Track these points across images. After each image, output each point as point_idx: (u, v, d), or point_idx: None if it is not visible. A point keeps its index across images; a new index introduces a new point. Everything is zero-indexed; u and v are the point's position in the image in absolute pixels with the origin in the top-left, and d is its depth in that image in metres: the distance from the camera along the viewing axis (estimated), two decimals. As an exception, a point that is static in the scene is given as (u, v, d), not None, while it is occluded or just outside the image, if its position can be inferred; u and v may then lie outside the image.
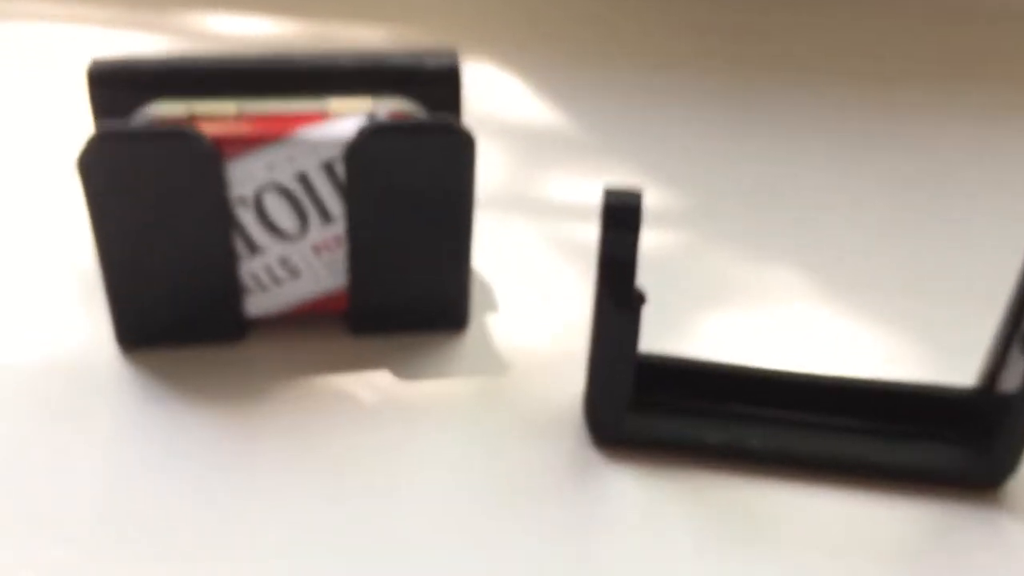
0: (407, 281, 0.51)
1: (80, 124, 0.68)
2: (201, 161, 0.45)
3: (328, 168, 0.47)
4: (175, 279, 0.49)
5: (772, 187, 0.66)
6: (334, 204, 0.48)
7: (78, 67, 0.73)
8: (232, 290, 0.50)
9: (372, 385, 0.50)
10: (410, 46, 0.52)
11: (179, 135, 0.45)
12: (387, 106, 0.48)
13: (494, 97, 0.74)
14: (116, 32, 0.79)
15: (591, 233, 0.61)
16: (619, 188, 0.42)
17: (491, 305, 0.55)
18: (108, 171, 0.45)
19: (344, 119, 0.47)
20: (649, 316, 0.51)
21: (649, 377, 0.46)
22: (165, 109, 0.46)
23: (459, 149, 0.47)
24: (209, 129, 0.45)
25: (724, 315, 0.55)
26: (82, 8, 0.82)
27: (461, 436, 0.48)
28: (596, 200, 0.64)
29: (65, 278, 0.55)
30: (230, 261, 0.48)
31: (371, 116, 0.47)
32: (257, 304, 0.51)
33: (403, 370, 0.51)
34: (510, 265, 0.58)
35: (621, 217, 0.41)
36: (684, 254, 0.59)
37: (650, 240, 0.60)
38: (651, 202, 0.64)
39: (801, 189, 0.65)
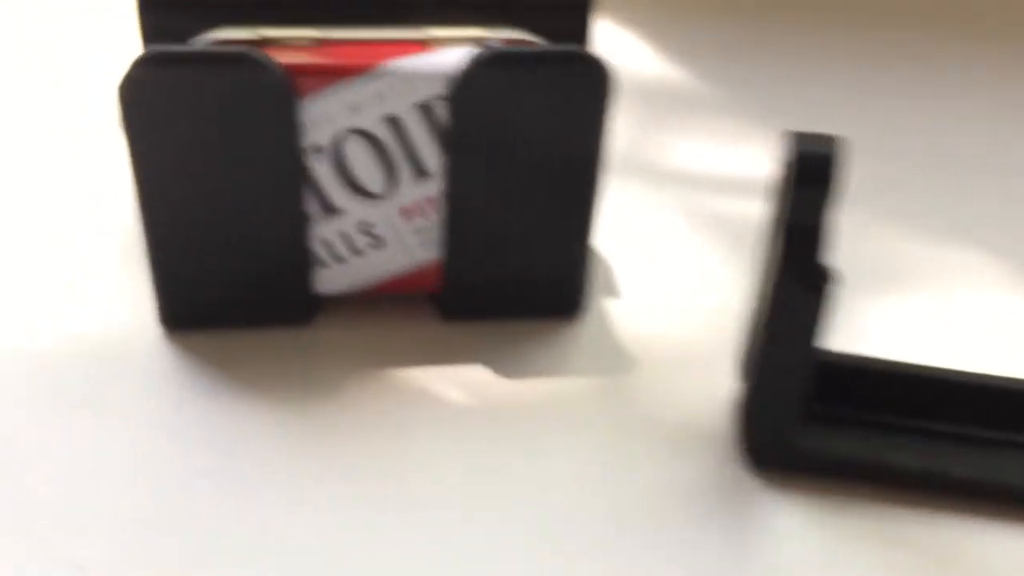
0: (514, 256, 0.41)
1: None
2: (269, 96, 0.36)
3: (425, 110, 0.38)
4: (231, 246, 0.40)
5: (948, 152, 0.55)
6: (430, 156, 0.39)
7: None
8: (300, 261, 0.41)
9: (464, 382, 0.41)
10: None
11: (243, 61, 0.35)
12: (498, 35, 0.39)
13: (608, 53, 0.64)
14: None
15: (727, 205, 0.51)
16: (807, 134, 0.33)
17: (610, 288, 0.46)
18: (155, 104, 0.36)
19: (447, 49, 0.38)
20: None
21: (824, 382, 0.36)
22: (229, 34, 0.38)
23: (592, 86, 0.37)
24: (281, 57, 0.36)
25: (898, 304, 0.45)
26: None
27: (573, 449, 0.38)
28: (731, 166, 0.55)
29: (101, 243, 0.46)
30: (299, 225, 0.39)
31: (482, 45, 0.38)
32: (330, 279, 0.42)
33: (503, 365, 0.41)
34: (632, 241, 0.48)
35: (810, 171, 0.32)
36: (848, 234, 0.50)
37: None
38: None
39: (985, 155, 0.55)
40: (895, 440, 0.36)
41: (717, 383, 0.40)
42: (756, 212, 0.50)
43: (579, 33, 0.40)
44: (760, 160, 0.55)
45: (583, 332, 0.43)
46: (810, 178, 0.32)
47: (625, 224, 0.47)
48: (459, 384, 0.41)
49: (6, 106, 0.56)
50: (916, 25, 0.68)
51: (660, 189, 0.52)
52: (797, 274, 0.32)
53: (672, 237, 0.49)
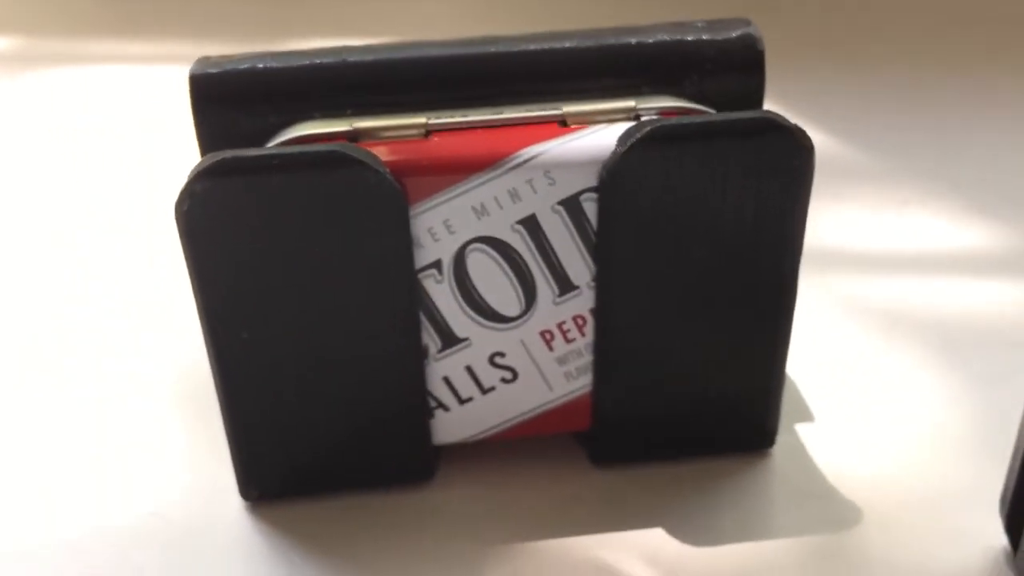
0: (685, 382, 0.32)
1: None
2: (376, 205, 0.27)
3: (571, 207, 0.29)
4: (326, 395, 0.31)
5: None
6: (578, 265, 0.30)
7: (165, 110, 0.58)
8: (414, 408, 0.31)
9: (638, 548, 0.31)
10: (667, 18, 0.34)
11: (341, 162, 0.27)
12: (654, 104, 0.30)
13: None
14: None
15: (925, 293, 0.42)
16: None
17: (799, 412, 0.36)
18: (222, 225, 0.27)
19: (593, 129, 0.29)
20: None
21: None
22: (317, 128, 0.30)
23: (790, 163, 0.28)
24: (386, 154, 0.28)
25: None
26: (137, 46, 0.68)
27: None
28: (914, 244, 0.45)
29: (165, 396, 0.38)
30: (413, 363, 0.31)
31: (638, 120, 0.30)
32: (451, 426, 0.33)
33: (683, 522, 0.32)
34: (813, 350, 0.39)
35: None
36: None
37: (1007, 301, 0.41)
38: (988, 240, 0.45)
39: None
40: None
41: (971, 535, 0.31)
42: (965, 302, 0.41)
43: (750, 96, 0.32)
44: (951, 232, 0.45)
45: (777, 471, 0.34)
46: None
47: (801, 329, 0.38)
48: (632, 552, 0.31)
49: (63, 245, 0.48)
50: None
51: (839, 283, 0.42)
52: None
53: (860, 341, 0.39)
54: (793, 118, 0.29)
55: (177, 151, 0.52)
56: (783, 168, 0.29)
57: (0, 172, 0.53)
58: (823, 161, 0.52)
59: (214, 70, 0.30)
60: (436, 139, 0.29)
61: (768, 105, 0.32)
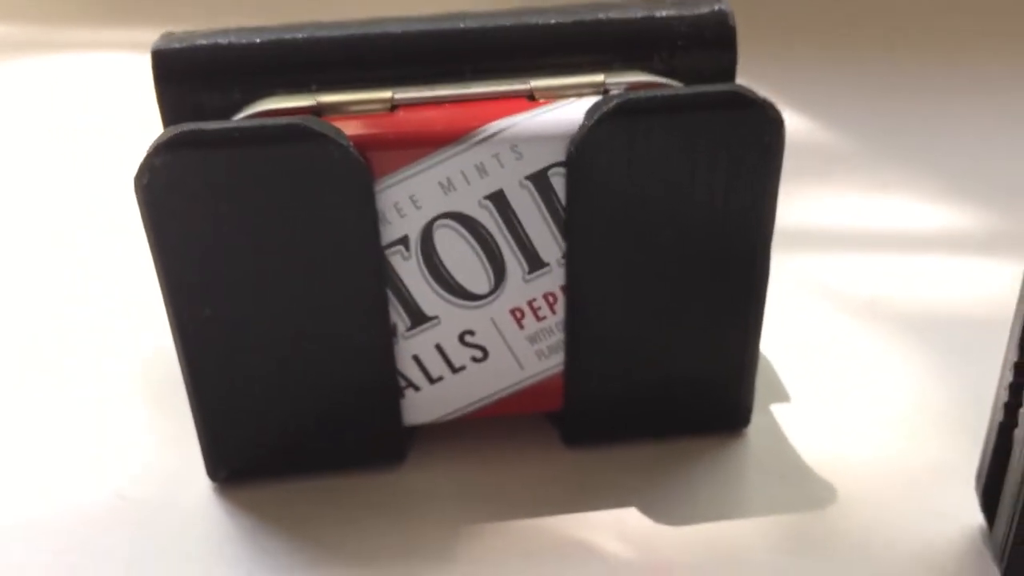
0: (657, 360, 0.32)
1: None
2: (337, 180, 0.27)
3: (539, 182, 0.29)
4: (293, 376, 0.30)
5: None
6: (547, 241, 0.30)
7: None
8: (383, 387, 0.31)
9: (611, 527, 0.31)
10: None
11: (304, 135, 0.27)
12: (623, 79, 0.30)
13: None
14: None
15: (902, 274, 0.42)
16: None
17: (774, 392, 0.36)
18: (185, 200, 0.27)
19: (561, 103, 0.29)
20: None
21: None
22: (279, 103, 0.29)
23: (758, 136, 0.28)
24: (351, 128, 0.28)
25: None
26: (128, 33, 0.67)
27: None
28: (894, 226, 0.45)
29: (133, 378, 0.38)
30: (381, 342, 0.30)
31: (606, 94, 0.29)
32: (422, 406, 0.32)
33: (657, 501, 0.31)
34: (790, 330, 0.39)
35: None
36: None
37: (983, 283, 0.41)
38: (967, 222, 0.45)
39: None
40: None
41: (947, 513, 0.30)
42: (943, 282, 0.41)
43: (722, 73, 0.31)
44: (931, 213, 0.45)
45: (751, 451, 0.33)
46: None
47: (778, 310, 0.38)
48: (605, 530, 0.31)
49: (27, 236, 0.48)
50: None
51: (817, 264, 0.42)
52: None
53: (838, 322, 0.39)
54: (777, 101, 0.28)
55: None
56: (752, 142, 0.28)
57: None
58: (806, 144, 0.52)
59: (177, 45, 0.30)
60: (402, 113, 0.29)
61: (751, 87, 0.32)
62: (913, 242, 0.44)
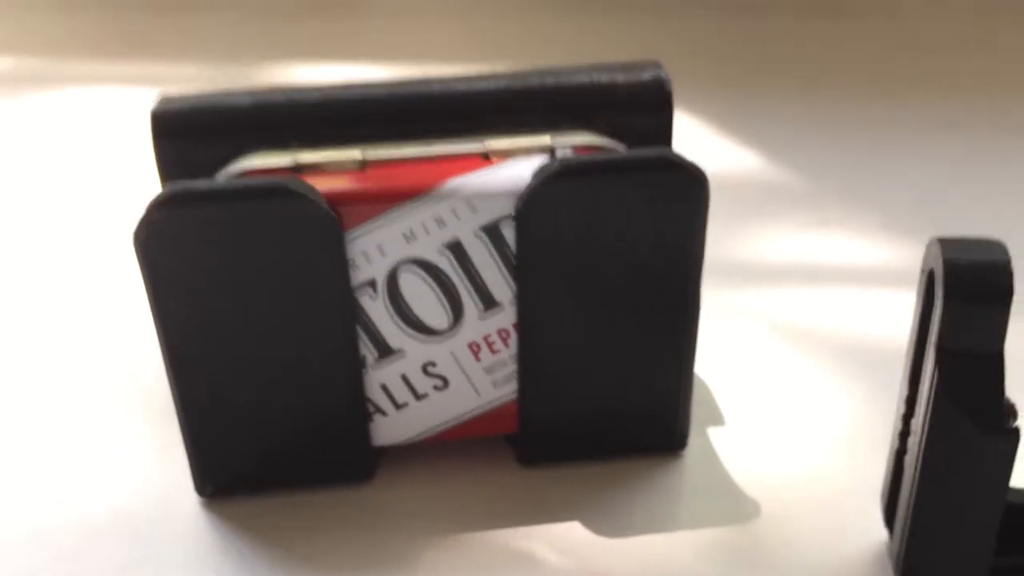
0: (602, 388, 0.35)
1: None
2: (314, 231, 0.31)
3: (492, 232, 0.32)
4: (274, 401, 0.34)
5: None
6: (500, 284, 0.33)
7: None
8: (354, 412, 0.35)
9: (557, 541, 0.34)
10: (587, 60, 0.37)
11: (282, 193, 0.30)
12: (569, 141, 0.34)
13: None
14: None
15: (834, 307, 0.45)
16: (960, 240, 0.27)
17: (711, 416, 0.40)
18: (178, 250, 0.31)
19: (512, 162, 0.33)
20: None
21: (1015, 528, 0.30)
22: (262, 162, 0.33)
23: (685, 194, 0.32)
24: (321, 185, 0.31)
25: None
26: (139, 67, 0.71)
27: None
28: (829, 261, 0.49)
29: (127, 401, 0.41)
30: (353, 372, 0.34)
31: (552, 155, 0.33)
32: (389, 429, 0.36)
33: (599, 517, 0.35)
34: (729, 358, 0.42)
35: (977, 285, 0.26)
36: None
37: (903, 305, 0.44)
38: (900, 257, 0.48)
39: None
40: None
41: (858, 530, 0.34)
42: (871, 315, 0.44)
43: (659, 133, 0.35)
44: (865, 249, 0.49)
45: (686, 471, 0.37)
46: (976, 295, 0.26)
47: (718, 338, 0.41)
48: (551, 544, 0.34)
49: (22, 252, 0.51)
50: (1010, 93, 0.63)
51: (756, 297, 0.46)
52: (969, 413, 0.26)
53: (774, 351, 0.43)
54: (727, 137, 0.32)
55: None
56: (680, 199, 0.32)
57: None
58: (754, 179, 0.55)
59: (172, 107, 0.34)
60: (371, 171, 0.32)
61: (706, 128, 0.35)
62: (848, 275, 0.47)
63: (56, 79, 0.68)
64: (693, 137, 0.57)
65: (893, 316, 0.44)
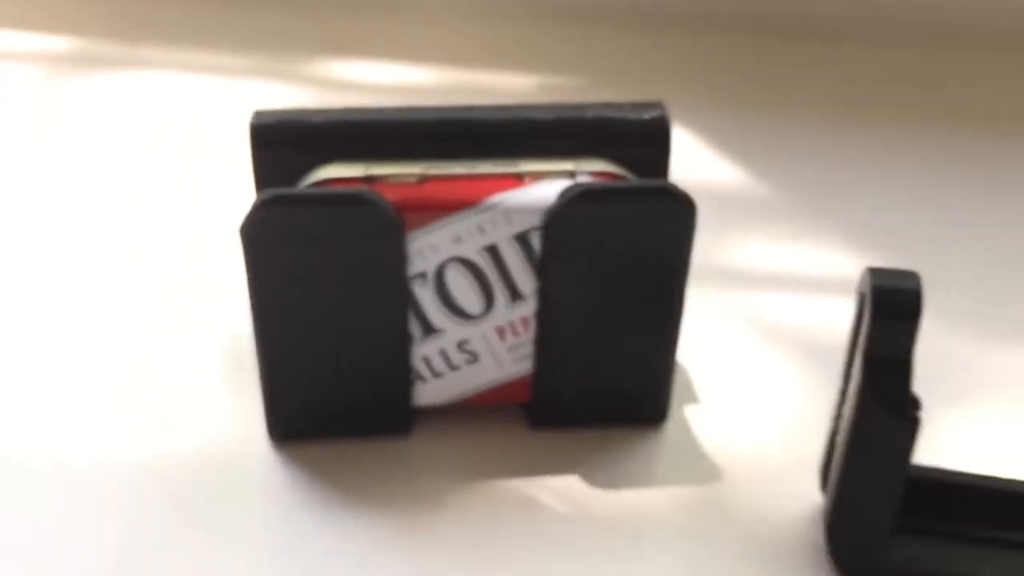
0: (601, 368, 0.44)
1: (233, 183, 0.62)
2: (381, 231, 0.39)
3: (522, 240, 0.40)
4: (338, 365, 0.42)
5: (1015, 256, 0.57)
6: (525, 281, 0.41)
7: (207, 119, 0.69)
8: (402, 377, 0.43)
9: (558, 490, 0.43)
10: (603, 98, 0.45)
11: (358, 200, 0.38)
12: (588, 168, 0.42)
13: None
14: (236, 81, 0.74)
15: (799, 310, 0.53)
16: (886, 270, 0.35)
17: (690, 396, 0.48)
18: (275, 240, 0.39)
19: (542, 183, 0.40)
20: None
21: (919, 495, 0.38)
22: (338, 171, 0.41)
23: (677, 217, 0.40)
24: (391, 195, 0.39)
25: (966, 416, 0.47)
26: (188, 55, 0.78)
27: (668, 556, 0.40)
28: (798, 269, 0.57)
29: (212, 357, 0.49)
30: (402, 345, 0.42)
31: (573, 179, 0.41)
32: (427, 393, 0.44)
33: (593, 472, 0.43)
34: (708, 350, 0.50)
35: (895, 306, 0.34)
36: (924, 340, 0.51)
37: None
38: (857, 271, 0.56)
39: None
40: (982, 552, 0.38)
41: (800, 494, 0.42)
42: (829, 319, 0.52)
43: (659, 162, 0.43)
44: (830, 261, 0.57)
45: (666, 439, 0.45)
46: (894, 314, 0.34)
47: (701, 333, 0.49)
48: (552, 492, 0.43)
49: (127, 224, 0.59)
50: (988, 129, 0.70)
51: (733, 297, 0.54)
52: (885, 405, 0.34)
53: (744, 344, 0.51)
54: (719, 154, 0.39)
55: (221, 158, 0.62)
56: (674, 220, 0.40)
57: (61, 170, 0.63)
58: (739, 194, 0.63)
59: (266, 121, 0.41)
60: (428, 185, 0.40)
61: (700, 142, 0.42)
62: (812, 284, 0.55)
63: (106, 63, 0.75)
64: (686, 149, 0.65)
65: (845, 321, 0.52)
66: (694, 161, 0.65)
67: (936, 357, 0.44)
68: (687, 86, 0.73)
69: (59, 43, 0.77)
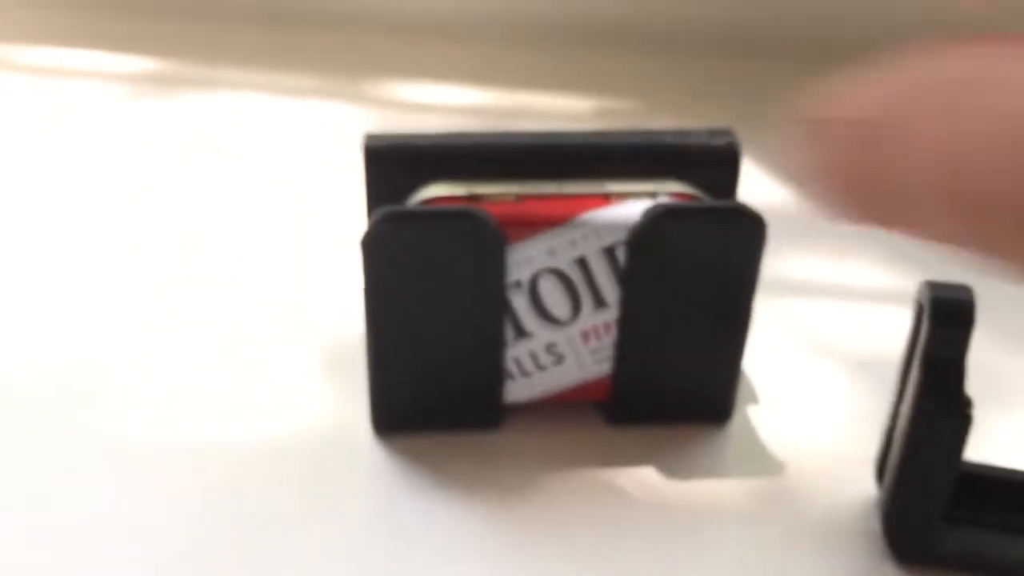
0: (674, 371, 0.48)
1: (346, 198, 0.67)
2: (486, 245, 0.43)
3: (609, 253, 0.45)
4: (438, 364, 0.47)
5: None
6: (610, 290, 0.46)
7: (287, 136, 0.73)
8: (495, 376, 0.47)
9: (635, 480, 0.47)
10: (659, 121, 0.50)
11: (467, 217, 0.43)
12: (667, 189, 0.46)
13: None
14: (299, 102, 0.79)
15: (850, 320, 0.57)
16: (943, 283, 0.39)
17: (751, 397, 0.52)
18: (391, 252, 0.43)
19: (627, 202, 0.45)
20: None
21: (968, 489, 0.42)
22: (443, 190, 0.45)
23: (749, 235, 0.44)
24: (493, 212, 0.44)
25: (1014, 419, 0.51)
26: (254, 75, 0.83)
27: (738, 541, 0.45)
28: (846, 281, 0.61)
29: (320, 356, 0.54)
30: (497, 347, 0.46)
31: (655, 199, 0.45)
32: (516, 390, 0.48)
33: (666, 465, 0.48)
34: (765, 353, 0.54)
35: (951, 315, 0.38)
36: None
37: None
38: (902, 284, 0.60)
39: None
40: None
41: (857, 486, 0.46)
42: (879, 329, 0.56)
43: (730, 183, 0.47)
44: (876, 275, 0.61)
45: (731, 437, 0.50)
46: (950, 322, 0.38)
47: (765, 341, 0.54)
48: (633, 483, 0.47)
49: (249, 226, 0.63)
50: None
51: (789, 308, 0.58)
52: (941, 406, 0.38)
53: (804, 353, 0.55)
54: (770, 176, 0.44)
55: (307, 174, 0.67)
56: (746, 238, 0.44)
57: (139, 188, 0.68)
58: (789, 212, 0.67)
59: (378, 143, 0.46)
60: (525, 203, 0.44)
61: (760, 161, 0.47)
62: (862, 296, 0.60)
63: (184, 83, 0.80)
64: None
65: (893, 331, 0.57)
66: (752, 182, 0.69)
67: (984, 363, 0.49)
68: (734, 111, 0.77)
69: (137, 63, 0.82)
